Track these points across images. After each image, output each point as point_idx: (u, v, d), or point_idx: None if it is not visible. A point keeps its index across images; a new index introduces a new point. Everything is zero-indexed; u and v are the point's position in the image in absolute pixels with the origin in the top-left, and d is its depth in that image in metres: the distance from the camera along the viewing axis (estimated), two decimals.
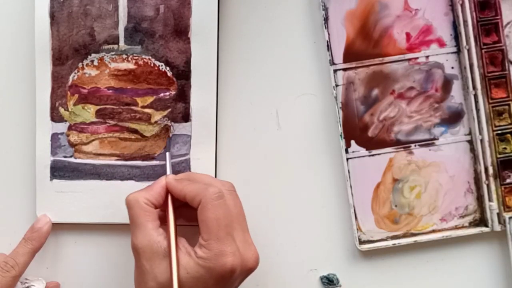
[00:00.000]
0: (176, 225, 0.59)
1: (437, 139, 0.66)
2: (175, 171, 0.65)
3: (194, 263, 0.56)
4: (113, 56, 0.64)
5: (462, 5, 0.64)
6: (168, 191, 0.60)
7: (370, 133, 0.66)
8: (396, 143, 0.66)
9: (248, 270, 0.58)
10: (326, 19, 0.65)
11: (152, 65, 0.64)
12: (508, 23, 0.65)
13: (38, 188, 0.65)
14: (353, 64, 0.66)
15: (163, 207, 0.60)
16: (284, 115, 0.67)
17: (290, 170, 0.67)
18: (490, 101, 0.65)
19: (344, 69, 0.66)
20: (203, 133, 0.64)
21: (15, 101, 0.66)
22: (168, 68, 0.64)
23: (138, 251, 0.57)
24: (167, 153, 0.64)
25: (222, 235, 0.56)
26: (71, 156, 0.65)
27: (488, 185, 0.65)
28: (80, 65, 0.64)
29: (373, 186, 0.66)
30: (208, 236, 0.56)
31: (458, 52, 0.66)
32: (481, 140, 0.65)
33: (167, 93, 0.64)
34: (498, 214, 0.65)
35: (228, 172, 0.66)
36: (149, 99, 0.65)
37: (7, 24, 0.66)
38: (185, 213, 0.62)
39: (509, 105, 0.65)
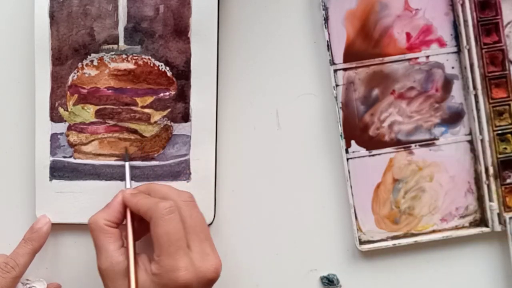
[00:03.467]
0: (135, 242, 0.59)
1: (438, 139, 0.66)
2: (175, 172, 0.65)
3: (150, 280, 0.56)
4: (113, 56, 0.64)
5: (463, 5, 0.64)
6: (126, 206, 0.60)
7: (371, 133, 0.66)
8: (397, 143, 0.66)
9: (207, 282, 0.57)
10: (326, 19, 0.65)
11: (151, 65, 0.64)
12: (508, 23, 0.65)
13: (37, 188, 0.65)
14: (353, 64, 0.66)
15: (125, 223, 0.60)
16: (284, 115, 0.67)
17: (290, 170, 0.67)
18: (491, 101, 0.65)
19: (344, 69, 0.66)
20: (203, 133, 0.64)
21: (14, 101, 0.66)
22: (168, 68, 0.64)
23: (102, 273, 0.58)
24: (126, 164, 0.64)
25: (172, 250, 0.56)
26: (70, 157, 0.65)
27: (488, 185, 0.65)
28: (79, 65, 0.64)
29: (373, 186, 0.66)
30: (159, 252, 0.56)
31: (459, 52, 0.66)
32: (482, 140, 0.65)
33: (167, 93, 0.64)
34: (499, 214, 0.65)
35: (228, 172, 0.66)
36: (149, 99, 0.64)
37: (7, 24, 0.66)
38: (145, 228, 0.61)
39: (509, 105, 0.65)
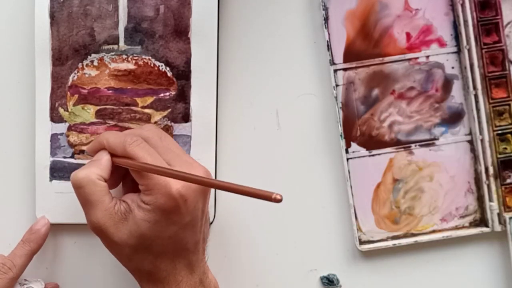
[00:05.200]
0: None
1: (438, 139, 0.66)
2: None
3: (147, 214, 0.55)
4: (113, 57, 0.64)
5: (463, 5, 0.64)
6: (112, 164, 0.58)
7: (371, 133, 0.66)
8: (397, 143, 0.66)
9: (202, 190, 0.56)
10: (326, 19, 0.65)
11: (152, 65, 0.64)
12: (508, 23, 0.65)
13: (37, 189, 0.65)
14: (353, 64, 0.66)
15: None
16: (284, 115, 0.67)
17: (290, 170, 0.67)
18: (491, 101, 0.65)
19: (344, 69, 0.66)
20: (203, 133, 0.64)
21: (14, 101, 0.66)
22: (168, 68, 0.64)
23: (100, 228, 0.56)
24: None
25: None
26: (70, 157, 0.65)
27: (488, 185, 0.65)
28: (80, 65, 0.64)
29: (373, 186, 0.66)
30: (143, 180, 0.55)
31: (459, 52, 0.66)
32: (482, 140, 0.65)
33: (167, 94, 0.64)
34: (499, 214, 0.65)
35: (228, 172, 0.66)
36: (149, 100, 0.64)
37: (7, 24, 0.66)
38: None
39: (509, 105, 0.65)
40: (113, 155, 0.58)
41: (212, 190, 0.64)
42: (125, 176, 0.60)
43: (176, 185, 0.55)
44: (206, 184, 0.55)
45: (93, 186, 0.56)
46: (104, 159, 0.58)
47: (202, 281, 0.59)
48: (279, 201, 0.50)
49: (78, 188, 0.57)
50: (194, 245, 0.58)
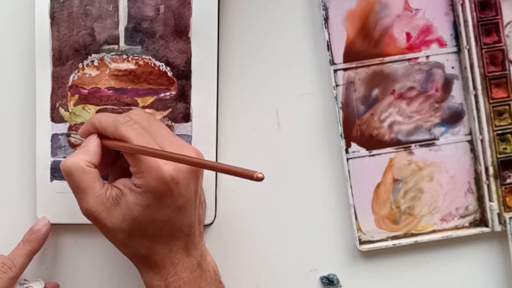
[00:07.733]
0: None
1: (438, 139, 0.66)
2: None
3: (139, 197, 0.55)
4: (114, 57, 0.64)
5: (463, 5, 0.64)
6: (103, 148, 0.58)
7: (371, 133, 0.66)
8: (397, 143, 0.66)
9: (193, 172, 0.56)
10: (326, 19, 0.65)
11: (152, 65, 0.64)
12: (508, 23, 0.65)
13: (38, 189, 0.65)
14: (353, 64, 0.66)
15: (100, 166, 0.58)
16: (284, 115, 0.67)
17: (290, 170, 0.67)
18: (491, 101, 0.65)
19: (344, 69, 0.66)
20: (203, 133, 0.64)
21: (15, 101, 0.66)
22: (168, 68, 0.64)
23: (92, 214, 0.56)
24: None
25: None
26: None
27: (488, 185, 0.65)
28: (80, 65, 0.64)
29: (374, 186, 0.66)
30: (135, 162, 0.55)
31: (459, 52, 0.66)
32: (482, 140, 0.65)
33: (168, 93, 0.64)
34: (499, 214, 0.65)
35: None
36: (150, 99, 0.64)
37: (7, 24, 0.66)
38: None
39: (509, 105, 0.65)
40: (104, 137, 0.58)
41: (213, 188, 0.64)
42: (114, 162, 0.60)
43: (167, 168, 0.54)
44: (197, 165, 0.54)
45: (82, 173, 0.56)
46: (92, 144, 0.57)
47: (200, 264, 0.59)
48: (260, 179, 0.50)
49: (68, 176, 0.56)
50: (188, 227, 0.58)
